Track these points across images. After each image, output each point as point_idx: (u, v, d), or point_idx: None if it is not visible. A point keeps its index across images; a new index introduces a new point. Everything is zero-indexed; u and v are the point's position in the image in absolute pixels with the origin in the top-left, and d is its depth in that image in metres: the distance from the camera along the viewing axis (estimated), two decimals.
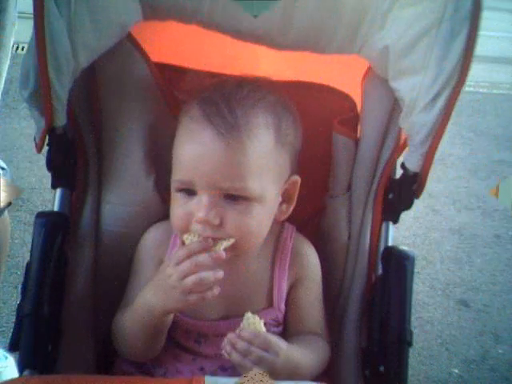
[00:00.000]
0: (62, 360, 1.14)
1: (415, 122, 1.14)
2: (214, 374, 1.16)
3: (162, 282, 1.08)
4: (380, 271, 1.24)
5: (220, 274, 1.05)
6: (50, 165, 1.21)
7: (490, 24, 5.05)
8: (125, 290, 1.21)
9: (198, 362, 1.18)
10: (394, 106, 1.23)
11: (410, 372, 1.16)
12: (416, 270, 1.23)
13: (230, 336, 1.06)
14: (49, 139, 1.16)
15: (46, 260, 1.14)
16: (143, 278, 1.18)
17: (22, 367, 1.10)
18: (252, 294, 1.20)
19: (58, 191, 1.23)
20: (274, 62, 1.28)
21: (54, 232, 1.17)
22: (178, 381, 1.14)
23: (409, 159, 1.18)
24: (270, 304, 1.20)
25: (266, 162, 1.11)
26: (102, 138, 1.26)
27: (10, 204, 1.69)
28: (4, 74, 1.64)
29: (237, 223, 1.09)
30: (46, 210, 1.25)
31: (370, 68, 1.26)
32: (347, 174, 1.30)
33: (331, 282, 1.28)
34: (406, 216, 1.27)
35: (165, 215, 1.20)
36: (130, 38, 1.21)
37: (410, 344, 1.17)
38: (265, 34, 1.18)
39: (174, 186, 1.14)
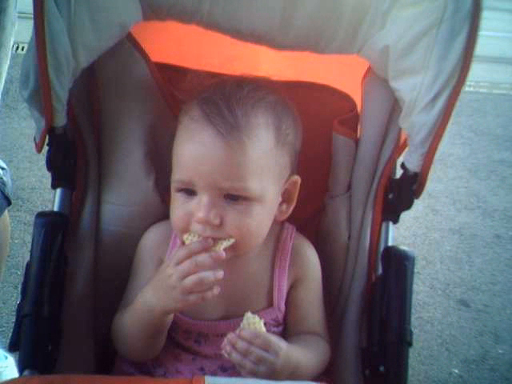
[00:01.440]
0: (62, 360, 1.14)
1: (415, 122, 1.14)
2: (214, 374, 1.16)
3: (162, 282, 1.08)
4: (380, 271, 1.24)
5: (220, 274, 1.05)
6: (50, 165, 1.21)
7: (490, 24, 5.06)
8: (125, 290, 1.21)
9: (197, 361, 1.18)
10: (394, 106, 1.23)
11: (410, 372, 1.16)
12: (416, 270, 1.23)
13: (230, 336, 1.06)
14: (49, 139, 1.16)
15: (46, 260, 1.14)
16: (143, 278, 1.18)
17: (22, 367, 1.09)
18: (252, 294, 1.20)
19: (58, 191, 1.23)
20: (274, 62, 1.28)
21: (54, 232, 1.17)
22: (177, 381, 1.14)
23: (409, 159, 1.18)
24: (270, 304, 1.20)
25: (266, 162, 1.11)
26: (102, 138, 1.26)
27: (10, 204, 1.69)
28: (4, 74, 1.64)
29: (237, 223, 1.09)
30: (46, 210, 1.25)
31: (370, 68, 1.26)
32: (347, 173, 1.30)
33: (331, 282, 1.28)
34: (406, 216, 1.27)
35: (165, 215, 1.20)
36: (130, 37, 1.21)
37: (410, 344, 1.17)
38: (265, 34, 1.18)
39: (173, 186, 1.14)
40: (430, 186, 1.18)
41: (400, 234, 2.87)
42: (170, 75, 1.30)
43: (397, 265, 1.21)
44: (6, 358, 1.89)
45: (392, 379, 1.16)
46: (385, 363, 1.16)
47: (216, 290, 1.06)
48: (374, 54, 1.19)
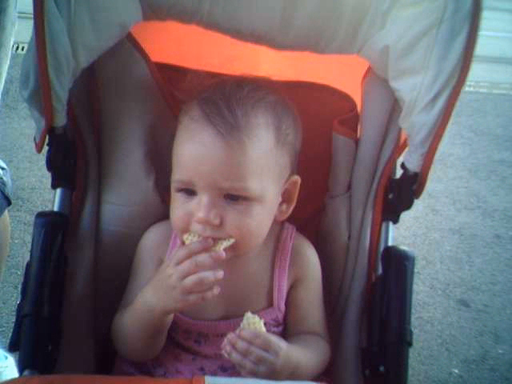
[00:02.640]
0: (62, 360, 1.14)
1: (415, 122, 1.14)
2: (214, 374, 1.16)
3: (162, 282, 1.08)
4: (380, 271, 1.24)
5: (220, 274, 1.05)
6: (50, 165, 1.21)
7: (490, 24, 5.06)
8: (125, 290, 1.21)
9: (197, 361, 1.18)
10: (394, 106, 1.23)
11: (410, 372, 1.16)
12: (416, 270, 1.23)
13: (230, 336, 1.06)
14: (49, 139, 1.16)
15: (46, 260, 1.14)
16: (143, 278, 1.18)
17: (22, 367, 1.10)
18: (252, 294, 1.20)
19: (58, 191, 1.23)
20: (274, 62, 1.28)
21: (54, 232, 1.17)
22: (177, 381, 1.14)
23: (409, 159, 1.18)
24: (270, 304, 1.20)
25: (266, 162, 1.11)
26: (102, 138, 1.26)
27: (10, 204, 1.69)
28: (4, 74, 1.64)
29: (237, 223, 1.09)
30: (46, 210, 1.25)
31: (370, 68, 1.26)
32: (347, 173, 1.30)
33: (331, 282, 1.28)
34: (406, 216, 1.27)
35: (165, 215, 1.20)
36: (130, 37, 1.21)
37: (410, 344, 1.17)
38: (265, 34, 1.18)
39: (173, 186, 1.14)
40: (430, 185, 1.18)
41: (400, 234, 2.87)
42: (170, 75, 1.30)
43: (397, 265, 1.21)
44: (6, 357, 1.89)
45: (392, 379, 1.16)
46: (385, 363, 1.16)
47: (216, 290, 1.06)
48: (374, 54, 1.19)
